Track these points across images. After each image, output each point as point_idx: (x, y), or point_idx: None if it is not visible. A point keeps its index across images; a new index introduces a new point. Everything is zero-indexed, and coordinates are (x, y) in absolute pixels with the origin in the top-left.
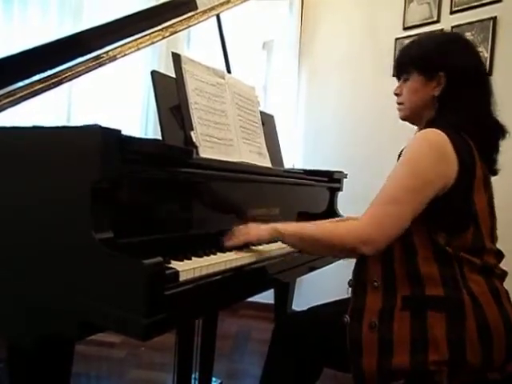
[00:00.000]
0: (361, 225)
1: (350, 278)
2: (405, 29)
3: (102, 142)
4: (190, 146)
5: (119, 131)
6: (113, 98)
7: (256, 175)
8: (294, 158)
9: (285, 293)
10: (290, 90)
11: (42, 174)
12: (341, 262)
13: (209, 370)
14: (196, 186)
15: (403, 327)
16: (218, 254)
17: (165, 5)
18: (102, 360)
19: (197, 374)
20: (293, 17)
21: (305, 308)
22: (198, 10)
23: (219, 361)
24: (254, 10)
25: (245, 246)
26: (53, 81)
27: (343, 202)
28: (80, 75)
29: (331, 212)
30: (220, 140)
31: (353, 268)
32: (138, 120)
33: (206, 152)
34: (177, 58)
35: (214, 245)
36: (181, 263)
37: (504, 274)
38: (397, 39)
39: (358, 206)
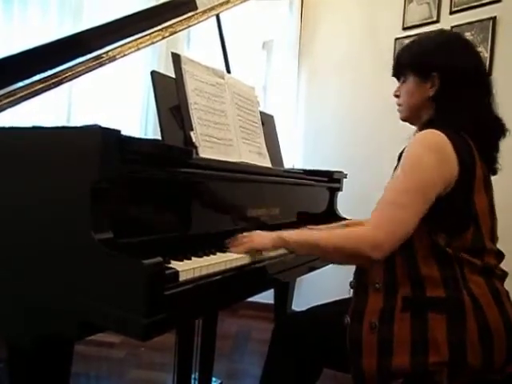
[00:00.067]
0: (369, 231)
1: (351, 279)
2: (404, 29)
3: (102, 142)
4: (190, 146)
5: (119, 131)
6: (113, 98)
7: (256, 175)
8: (293, 158)
9: (285, 293)
10: (290, 90)
11: (42, 174)
12: None
13: (209, 370)
14: (196, 186)
15: (403, 328)
16: (218, 254)
17: (165, 5)
18: (101, 360)
19: (197, 374)
20: (293, 17)
21: (305, 308)
22: (198, 10)
23: (219, 361)
24: (254, 10)
25: None
26: (53, 81)
27: (343, 202)
28: (80, 75)
29: (331, 212)
30: (220, 140)
31: (354, 270)
32: (138, 120)
33: (205, 152)
34: (176, 58)
35: (214, 245)
36: (181, 263)
37: (504, 274)
38: (396, 39)
39: (357, 206)
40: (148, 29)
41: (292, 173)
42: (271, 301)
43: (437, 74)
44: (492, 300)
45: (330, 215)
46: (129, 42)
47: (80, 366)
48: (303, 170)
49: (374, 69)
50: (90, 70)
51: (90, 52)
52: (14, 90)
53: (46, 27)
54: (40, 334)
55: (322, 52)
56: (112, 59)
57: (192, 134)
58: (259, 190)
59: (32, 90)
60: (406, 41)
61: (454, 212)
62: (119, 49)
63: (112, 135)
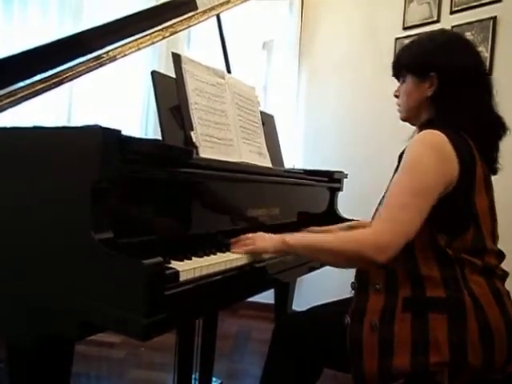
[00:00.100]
0: (373, 234)
1: (353, 280)
2: (405, 29)
3: (103, 142)
4: (190, 146)
5: (119, 131)
6: (113, 98)
7: (256, 175)
8: (294, 158)
9: (285, 293)
10: (290, 90)
11: (43, 174)
12: None
13: (209, 370)
14: (196, 186)
15: (404, 328)
16: (218, 253)
17: (165, 5)
18: (101, 360)
19: (197, 374)
20: (293, 17)
21: (305, 308)
22: (198, 10)
23: (219, 361)
24: (254, 10)
25: None
26: (53, 81)
27: (343, 202)
28: (80, 75)
29: (331, 212)
30: (220, 140)
31: (355, 271)
32: (138, 120)
33: (205, 152)
34: (177, 58)
35: (214, 245)
36: (181, 263)
37: (505, 274)
38: (397, 39)
39: (358, 206)
40: (148, 29)
41: (292, 173)
42: (271, 301)
43: (435, 74)
44: (493, 300)
45: (330, 215)
46: (129, 42)
47: (80, 366)
48: (303, 169)
49: (374, 69)
50: (91, 70)
51: (91, 52)
52: (15, 89)
53: (46, 27)
54: (40, 333)
55: (322, 52)
56: (112, 59)
57: (192, 133)
58: (259, 190)
59: (32, 90)
60: (407, 41)
61: (455, 212)
62: (119, 49)
63: (112, 135)
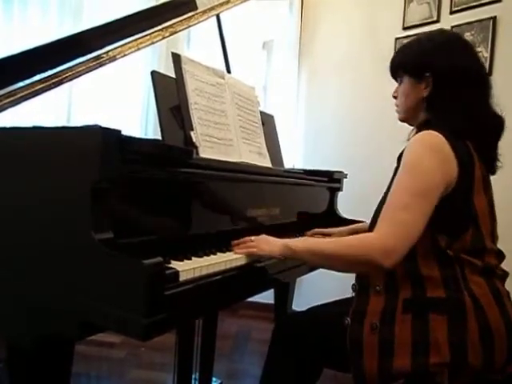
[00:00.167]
0: (378, 238)
1: (353, 282)
2: (405, 29)
3: (102, 142)
4: (190, 146)
5: (119, 131)
6: (113, 98)
7: (256, 175)
8: (294, 158)
9: (285, 293)
10: (290, 90)
11: (42, 174)
12: None
13: (209, 370)
14: (196, 186)
15: (404, 329)
16: (218, 254)
17: (165, 5)
18: (102, 360)
19: (197, 374)
20: (293, 17)
21: (305, 308)
22: (198, 10)
23: (219, 361)
24: (254, 10)
25: None
26: (53, 81)
27: (343, 202)
28: (80, 75)
29: (331, 212)
30: (220, 140)
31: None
32: (138, 120)
33: (205, 152)
34: (177, 58)
35: (214, 245)
36: (181, 263)
37: (505, 274)
38: (397, 39)
39: (358, 206)
40: (148, 29)
41: (292, 173)
42: (271, 301)
43: (430, 75)
44: (493, 300)
45: (330, 215)
46: (129, 42)
47: (80, 366)
48: (303, 169)
49: (374, 69)
50: (90, 70)
51: (90, 52)
52: (15, 89)
53: (46, 27)
54: (40, 333)
55: (322, 52)
56: (112, 59)
57: (192, 133)
58: (259, 190)
59: (32, 89)
60: (407, 41)
61: (454, 213)
62: (119, 49)
63: (112, 135)
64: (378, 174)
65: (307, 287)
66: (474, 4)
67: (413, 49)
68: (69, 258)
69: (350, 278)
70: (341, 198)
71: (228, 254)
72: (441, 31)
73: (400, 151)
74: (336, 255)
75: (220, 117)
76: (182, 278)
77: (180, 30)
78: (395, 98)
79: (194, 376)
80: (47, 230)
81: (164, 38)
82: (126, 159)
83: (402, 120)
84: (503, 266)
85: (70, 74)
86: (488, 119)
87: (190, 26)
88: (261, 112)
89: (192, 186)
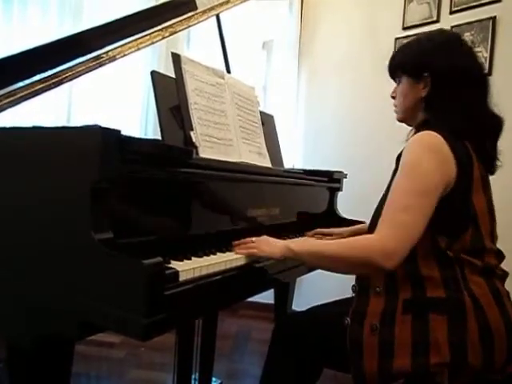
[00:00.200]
0: (379, 240)
1: (354, 283)
2: (404, 29)
3: (102, 142)
4: (190, 146)
5: (119, 131)
6: (113, 98)
7: (256, 175)
8: (294, 159)
9: (285, 293)
10: (290, 90)
11: (42, 174)
12: None
13: (209, 370)
14: (196, 186)
15: (404, 330)
16: (218, 254)
17: (164, 5)
18: (101, 360)
19: (197, 374)
20: (293, 17)
21: (305, 308)
22: (198, 10)
23: (219, 361)
24: (254, 10)
25: None
26: (53, 81)
27: (343, 202)
28: (80, 75)
29: (331, 212)
30: (220, 140)
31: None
32: (138, 120)
33: (205, 152)
34: (176, 58)
35: (214, 245)
36: (181, 263)
37: (505, 274)
38: (396, 39)
39: (357, 206)
40: (148, 29)
41: (292, 173)
42: (271, 301)
43: (428, 75)
44: (493, 300)
45: (330, 215)
46: (129, 42)
47: (80, 366)
48: (303, 169)
49: (374, 69)
50: (90, 70)
51: (90, 52)
52: (14, 89)
53: (45, 27)
54: (40, 333)
55: (322, 52)
56: (112, 59)
57: (192, 133)
58: (259, 190)
59: (32, 90)
60: (406, 41)
61: (454, 213)
62: (119, 49)
63: (112, 135)
64: (377, 174)
65: (307, 287)
66: (474, 4)
67: (412, 49)
68: (69, 258)
69: (350, 278)
70: (341, 198)
71: (228, 254)
72: (440, 31)
73: (399, 152)
74: (337, 257)
75: (220, 117)
76: (182, 278)
77: (180, 30)
78: (393, 98)
79: (193, 376)
80: (47, 229)
81: (164, 38)
82: (125, 159)
83: (400, 120)
84: (503, 266)
85: (69, 73)
86: (487, 119)
87: (189, 26)
88: (261, 112)
89: (192, 185)
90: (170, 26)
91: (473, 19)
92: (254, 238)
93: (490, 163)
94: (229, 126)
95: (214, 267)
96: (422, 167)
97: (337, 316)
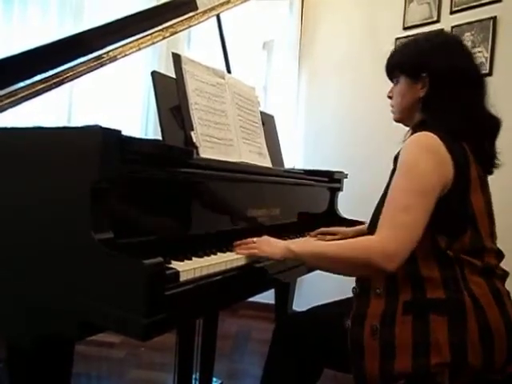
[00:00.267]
0: (379, 241)
1: (354, 285)
2: (405, 29)
3: (103, 142)
4: (190, 146)
5: (119, 131)
6: (113, 99)
7: (256, 175)
8: (294, 159)
9: (285, 293)
10: (290, 90)
11: (43, 174)
12: None
13: (209, 370)
14: (196, 186)
15: (405, 331)
16: (219, 254)
17: (165, 5)
18: (101, 360)
19: (197, 374)
20: (293, 17)
21: (305, 308)
22: (199, 11)
23: (219, 361)
24: (254, 10)
25: None
26: (54, 81)
27: (344, 202)
28: (81, 75)
29: (332, 212)
30: (220, 140)
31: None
32: (139, 120)
33: (206, 152)
34: (177, 59)
35: (215, 245)
36: (181, 263)
37: (505, 274)
38: (397, 39)
39: (358, 206)
40: (149, 29)
41: (292, 173)
42: (272, 301)
43: (426, 75)
44: (493, 300)
45: (330, 215)
46: (130, 42)
47: (80, 366)
48: (304, 170)
49: (374, 69)
50: (91, 70)
51: (91, 52)
52: (15, 90)
53: (46, 27)
54: (40, 333)
55: (323, 52)
56: (113, 59)
57: (192, 134)
58: (259, 190)
59: (33, 90)
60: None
61: (452, 213)
62: (120, 49)
63: (112, 135)
64: (378, 174)
65: (308, 287)
66: (474, 4)
67: (410, 49)
68: (69, 258)
69: (351, 279)
70: (341, 198)
71: (228, 254)
72: (438, 32)
73: (395, 153)
74: (337, 258)
75: (220, 117)
76: (183, 278)
77: (180, 30)
78: (390, 98)
79: (194, 376)
80: (47, 229)
81: (164, 38)
82: (126, 159)
83: (397, 120)
84: (503, 265)
85: (70, 74)
86: (484, 120)
87: (190, 26)
88: (261, 112)
89: (192, 186)
90: (171, 26)
91: (473, 19)
92: (255, 239)
93: (487, 164)
94: (229, 126)
95: (214, 267)
96: (419, 168)
97: (337, 316)
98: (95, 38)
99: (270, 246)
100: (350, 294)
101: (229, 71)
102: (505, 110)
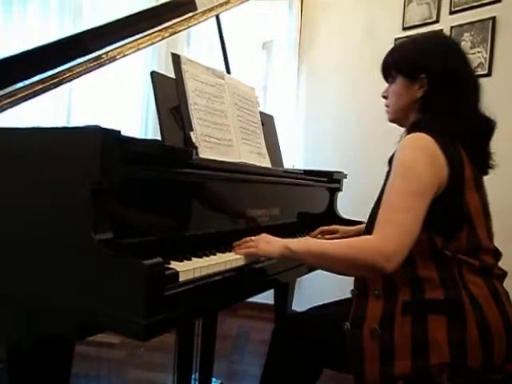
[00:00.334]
0: (381, 240)
1: (353, 288)
2: (404, 29)
3: (102, 142)
4: (190, 146)
5: (119, 132)
6: (113, 99)
7: (255, 175)
8: (294, 159)
9: (284, 293)
10: (290, 91)
11: (42, 174)
12: None
13: (209, 371)
14: (196, 186)
15: (404, 332)
16: (218, 254)
17: (164, 5)
18: (101, 360)
19: (197, 374)
20: (292, 17)
21: (305, 308)
22: (198, 11)
23: (219, 361)
24: (254, 11)
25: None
26: (53, 81)
27: (343, 202)
28: (80, 76)
29: (331, 212)
30: (219, 140)
31: (354, 277)
32: (138, 121)
33: (205, 152)
34: (176, 59)
35: (214, 245)
36: (180, 264)
37: (504, 274)
38: (396, 39)
39: (358, 207)
40: (148, 29)
41: (292, 173)
42: (271, 301)
43: (425, 76)
44: (491, 300)
45: (330, 215)
46: (129, 43)
47: (80, 367)
48: (303, 170)
49: (374, 69)
50: (90, 71)
51: (90, 52)
52: (14, 90)
53: (45, 27)
54: (40, 334)
55: (322, 52)
56: (112, 59)
57: (192, 134)
58: (259, 191)
59: (32, 90)
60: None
61: (447, 213)
62: (119, 49)
63: (112, 136)
64: (377, 175)
65: (307, 287)
66: (474, 4)
67: (408, 49)
68: (68, 258)
69: (350, 279)
70: (341, 198)
71: (228, 254)
72: (435, 33)
73: (390, 154)
74: (335, 257)
75: (220, 117)
76: (182, 278)
77: (180, 31)
78: (385, 98)
79: (193, 376)
80: (47, 230)
81: (164, 38)
82: (125, 160)
83: (392, 120)
84: (502, 266)
85: (69, 74)
86: (479, 122)
87: (189, 27)
88: (260, 112)
89: (192, 186)
90: (170, 26)
91: (472, 19)
92: (253, 237)
93: (482, 164)
94: (229, 126)
95: (213, 268)
96: (415, 169)
97: (337, 316)
98: (94, 39)
99: (268, 244)
100: (350, 295)
101: (228, 71)
102: (504, 110)
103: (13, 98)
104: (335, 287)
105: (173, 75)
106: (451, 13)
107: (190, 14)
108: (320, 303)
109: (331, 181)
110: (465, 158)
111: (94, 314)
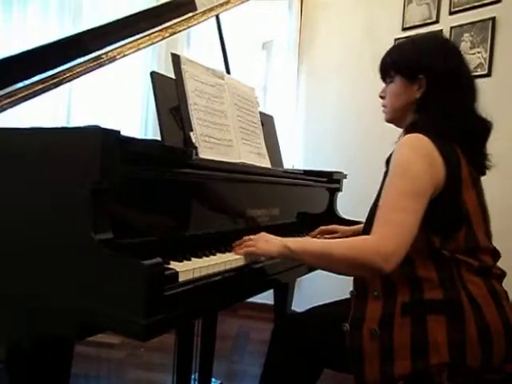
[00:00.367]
0: (380, 241)
1: (352, 288)
2: (404, 29)
3: (102, 142)
4: (190, 146)
5: (119, 132)
6: (113, 99)
7: (255, 176)
8: (294, 159)
9: (284, 293)
10: (290, 91)
11: (42, 174)
12: None
13: (208, 371)
14: (195, 186)
15: (404, 332)
16: (218, 254)
17: (164, 5)
18: (101, 361)
19: (196, 374)
20: (292, 17)
21: (304, 308)
22: (198, 11)
23: (219, 361)
24: (254, 11)
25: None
26: (53, 81)
27: (343, 202)
28: (80, 76)
29: (331, 212)
30: (219, 140)
31: (352, 278)
32: (138, 121)
33: (205, 153)
34: (176, 59)
35: (214, 245)
36: (180, 264)
37: (503, 274)
38: (396, 39)
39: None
40: (148, 29)
41: (291, 173)
42: (271, 301)
43: (423, 77)
44: (490, 300)
45: (329, 216)
46: (129, 43)
47: (80, 367)
48: (303, 170)
49: (374, 69)
50: (90, 71)
51: (90, 52)
52: (14, 90)
53: (45, 27)
54: (40, 334)
55: (322, 52)
56: (112, 60)
57: (192, 134)
58: (259, 191)
59: (32, 90)
60: None
61: (445, 213)
62: (119, 49)
63: (112, 136)
64: (377, 175)
65: (307, 287)
66: (474, 5)
67: (408, 49)
68: (68, 259)
69: (350, 279)
70: (341, 198)
71: (227, 254)
72: (434, 34)
73: (387, 155)
74: (334, 257)
75: (219, 117)
76: (182, 278)
77: (180, 31)
78: (382, 98)
79: (193, 377)
80: (47, 230)
81: (164, 38)
82: (125, 160)
83: (389, 121)
84: (501, 266)
85: (69, 74)
86: (476, 123)
87: (189, 27)
88: (260, 112)
89: (191, 186)
90: (170, 26)
91: (472, 20)
92: (252, 236)
93: (479, 165)
94: (228, 126)
95: (213, 268)
96: (412, 170)
97: (337, 316)
98: (94, 39)
99: (267, 243)
100: (350, 295)
101: (228, 72)
102: (504, 110)
103: (13, 98)
104: (335, 287)
105: (173, 75)
106: (451, 13)
107: (190, 14)
108: (320, 303)
109: (331, 181)
110: (462, 158)
111: (94, 314)
